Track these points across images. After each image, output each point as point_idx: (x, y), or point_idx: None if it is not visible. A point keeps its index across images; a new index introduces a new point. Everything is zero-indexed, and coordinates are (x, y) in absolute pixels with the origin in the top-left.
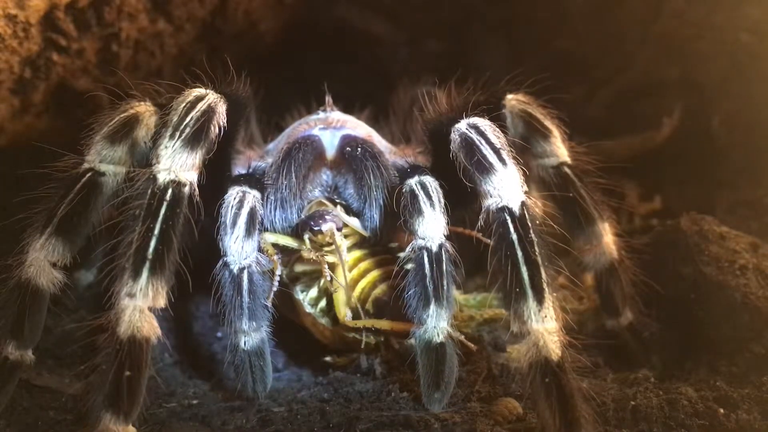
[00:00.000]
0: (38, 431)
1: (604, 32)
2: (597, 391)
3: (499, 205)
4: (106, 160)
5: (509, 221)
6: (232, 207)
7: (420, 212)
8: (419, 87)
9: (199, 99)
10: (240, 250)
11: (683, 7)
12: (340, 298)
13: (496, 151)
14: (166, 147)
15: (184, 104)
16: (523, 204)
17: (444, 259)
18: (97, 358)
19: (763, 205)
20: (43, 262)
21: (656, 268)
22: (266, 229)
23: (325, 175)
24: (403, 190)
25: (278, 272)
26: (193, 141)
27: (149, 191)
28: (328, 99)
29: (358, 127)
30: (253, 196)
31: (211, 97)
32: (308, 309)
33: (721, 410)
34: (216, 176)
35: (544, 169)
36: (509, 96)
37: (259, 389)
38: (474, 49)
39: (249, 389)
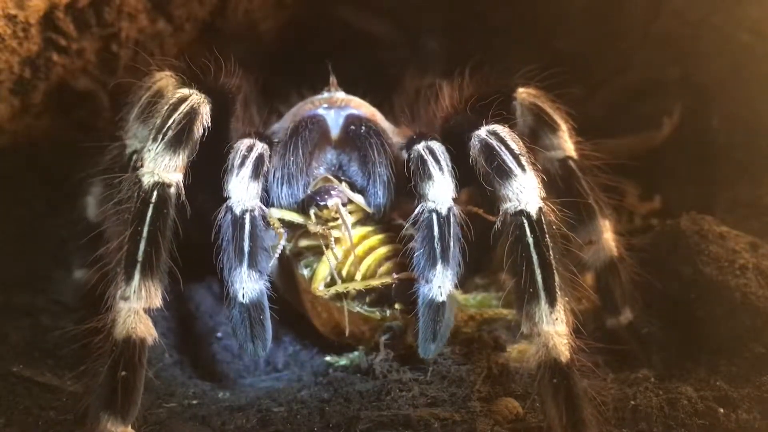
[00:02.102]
0: (38, 431)
1: (603, 32)
2: (597, 390)
3: (517, 209)
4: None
5: (526, 225)
6: (240, 151)
7: (430, 176)
8: (426, 78)
9: (182, 101)
10: (245, 191)
11: (683, 7)
12: (321, 270)
13: (516, 157)
14: (149, 150)
15: (167, 106)
16: (540, 209)
17: (452, 221)
18: (94, 360)
19: (763, 204)
20: None
21: (656, 268)
22: (272, 206)
23: (330, 154)
24: (411, 155)
25: (282, 242)
26: (175, 143)
27: (135, 194)
28: (332, 79)
29: (362, 107)
30: (262, 146)
31: (195, 98)
32: (305, 273)
33: (721, 410)
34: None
35: (549, 161)
36: (520, 89)
37: (258, 348)
38: (474, 49)
39: (248, 349)
